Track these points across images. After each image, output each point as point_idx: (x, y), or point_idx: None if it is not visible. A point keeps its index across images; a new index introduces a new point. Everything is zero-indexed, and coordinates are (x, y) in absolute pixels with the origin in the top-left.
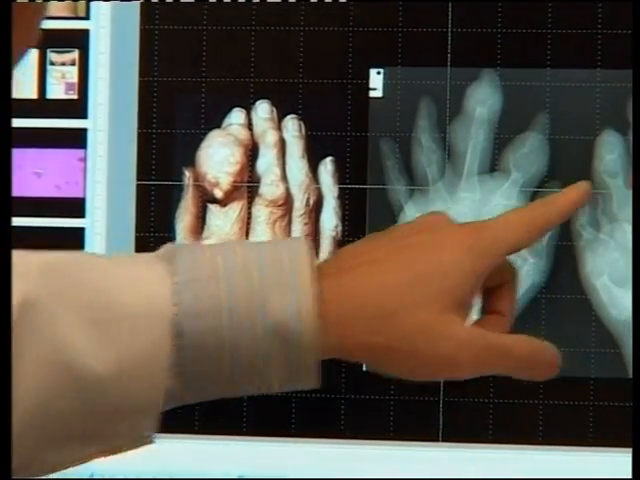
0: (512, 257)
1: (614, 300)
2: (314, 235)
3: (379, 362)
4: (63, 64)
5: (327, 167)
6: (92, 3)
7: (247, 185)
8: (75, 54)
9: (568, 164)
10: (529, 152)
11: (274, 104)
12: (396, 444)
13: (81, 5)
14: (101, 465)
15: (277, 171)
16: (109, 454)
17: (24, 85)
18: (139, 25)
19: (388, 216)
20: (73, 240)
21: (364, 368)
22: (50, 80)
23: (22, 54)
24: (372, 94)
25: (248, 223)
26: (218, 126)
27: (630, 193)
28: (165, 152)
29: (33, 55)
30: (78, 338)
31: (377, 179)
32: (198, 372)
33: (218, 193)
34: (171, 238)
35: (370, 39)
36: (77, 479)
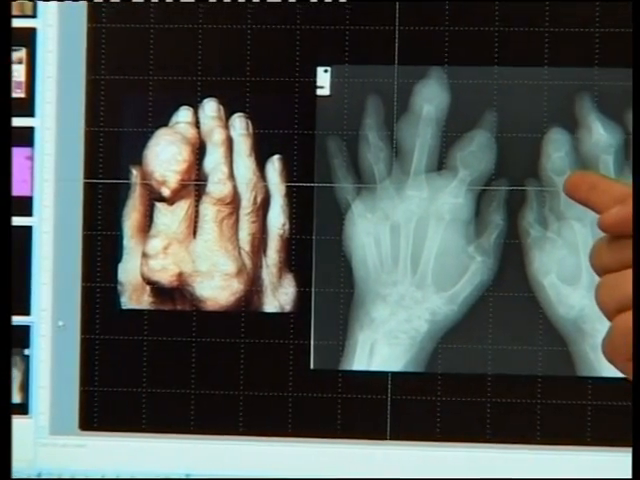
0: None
1: (562, 298)
2: (261, 233)
3: None
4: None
5: (274, 165)
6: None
7: (194, 183)
8: (22, 52)
9: (516, 162)
10: (477, 150)
11: (221, 102)
12: (343, 442)
13: (28, 3)
14: (48, 465)
15: (224, 169)
16: None
17: None
18: (86, 23)
19: (335, 214)
20: (21, 238)
21: (311, 366)
22: None
23: None
24: (319, 92)
25: (195, 221)
26: (165, 124)
27: None
28: (112, 150)
29: None
30: None
31: (324, 177)
32: None
33: (165, 191)
34: (118, 236)
35: (317, 37)
36: (24, 479)
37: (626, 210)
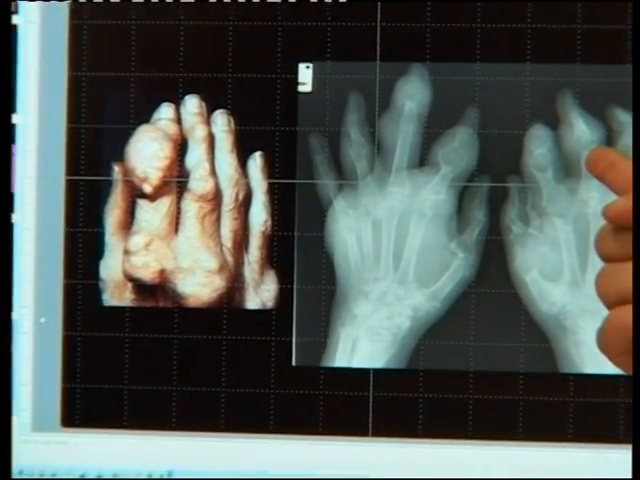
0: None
1: (544, 295)
2: (243, 230)
3: None
4: None
5: (256, 162)
6: None
7: (176, 180)
8: None
9: (498, 158)
10: (458, 146)
11: (203, 99)
12: (325, 439)
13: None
14: (30, 462)
15: (206, 166)
16: None
17: None
18: (68, 20)
19: (317, 210)
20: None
21: (293, 363)
22: None
23: None
24: (301, 89)
25: (177, 218)
26: (147, 121)
27: (560, 187)
28: (94, 147)
29: None
30: None
31: (306, 174)
32: None
33: (147, 188)
34: (100, 233)
35: (299, 33)
36: (24, 479)
37: (629, 204)
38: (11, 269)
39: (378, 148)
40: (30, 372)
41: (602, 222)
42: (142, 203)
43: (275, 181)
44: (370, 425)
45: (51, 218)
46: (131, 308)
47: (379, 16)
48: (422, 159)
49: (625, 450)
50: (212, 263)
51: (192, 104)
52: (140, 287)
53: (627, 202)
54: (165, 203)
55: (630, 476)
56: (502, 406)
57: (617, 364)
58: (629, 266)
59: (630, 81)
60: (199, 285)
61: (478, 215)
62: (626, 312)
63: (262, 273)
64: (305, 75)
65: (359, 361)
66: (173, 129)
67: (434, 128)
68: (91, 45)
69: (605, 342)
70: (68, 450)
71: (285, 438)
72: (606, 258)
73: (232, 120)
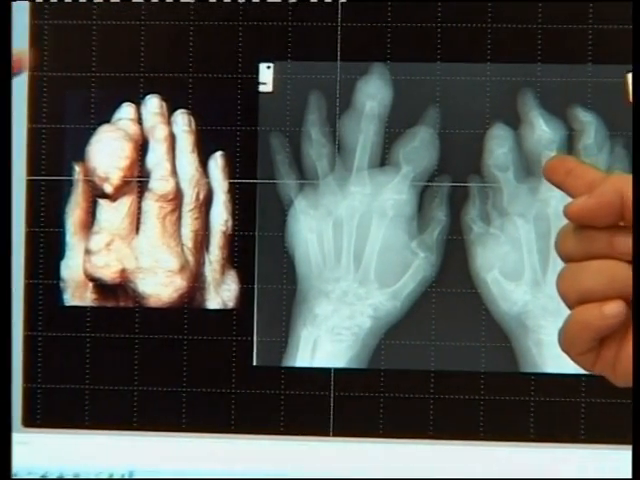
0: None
1: (505, 294)
2: (204, 230)
3: None
4: None
5: (217, 162)
6: None
7: (137, 180)
8: None
9: (458, 158)
10: (419, 146)
11: (164, 99)
12: (286, 439)
13: None
14: None
15: (167, 166)
16: None
17: None
18: (29, 20)
19: (278, 210)
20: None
21: (254, 362)
22: None
23: None
24: (262, 88)
25: (138, 218)
26: (108, 121)
27: (521, 187)
28: (55, 147)
29: None
30: None
31: (267, 173)
32: None
33: (108, 188)
34: (61, 233)
35: (259, 33)
36: (25, 479)
37: (591, 201)
38: (10, 272)
39: (339, 148)
40: None
41: (563, 221)
42: (103, 203)
43: (236, 181)
44: (331, 425)
45: (13, 218)
46: (92, 308)
47: (340, 16)
48: (383, 159)
49: (585, 449)
50: (173, 263)
51: (153, 104)
52: (101, 287)
53: (588, 200)
54: (126, 203)
55: (630, 475)
56: (463, 406)
57: (579, 362)
58: (589, 265)
59: (591, 81)
60: (160, 285)
61: (439, 215)
62: (587, 311)
63: (223, 273)
64: (266, 75)
65: (320, 361)
66: (134, 129)
67: (395, 128)
68: (52, 45)
69: (567, 341)
70: (29, 450)
71: (246, 438)
72: (567, 258)
73: (193, 120)
